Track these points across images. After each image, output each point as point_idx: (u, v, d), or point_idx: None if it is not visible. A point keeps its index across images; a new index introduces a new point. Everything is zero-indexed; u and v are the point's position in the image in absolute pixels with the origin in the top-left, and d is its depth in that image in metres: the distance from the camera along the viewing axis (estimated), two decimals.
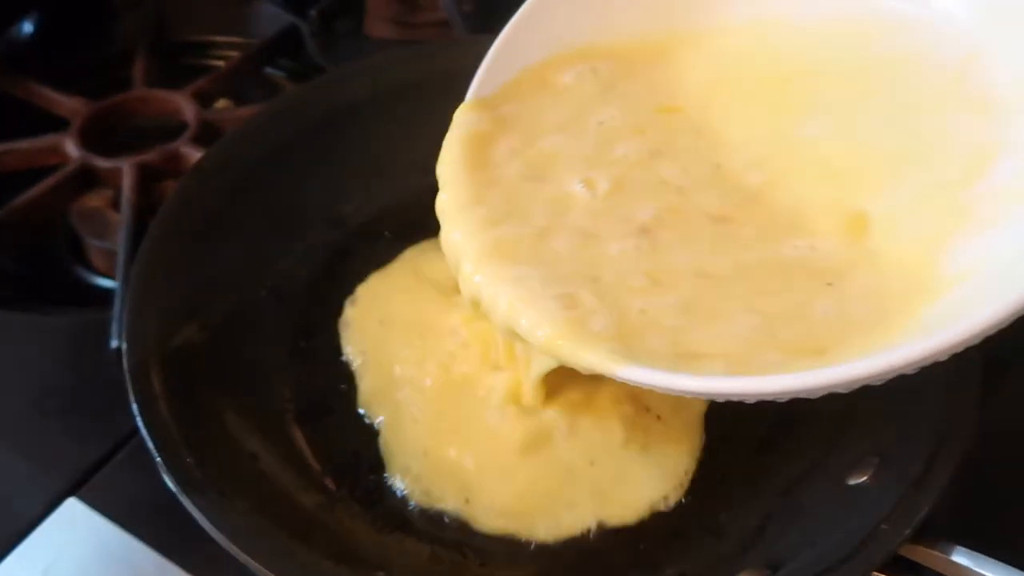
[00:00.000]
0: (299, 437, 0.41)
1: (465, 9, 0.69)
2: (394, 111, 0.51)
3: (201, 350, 0.40)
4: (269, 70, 0.69)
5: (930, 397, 0.36)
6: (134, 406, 0.35)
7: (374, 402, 0.43)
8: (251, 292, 0.45)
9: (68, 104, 0.60)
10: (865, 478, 0.36)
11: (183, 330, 0.39)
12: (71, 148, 0.57)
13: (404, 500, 0.39)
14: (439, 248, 0.35)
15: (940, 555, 0.31)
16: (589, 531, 0.38)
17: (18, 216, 0.54)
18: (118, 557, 0.39)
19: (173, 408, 0.35)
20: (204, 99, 0.61)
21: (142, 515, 0.40)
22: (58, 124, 0.59)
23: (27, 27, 0.68)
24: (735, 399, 0.28)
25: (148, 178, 0.55)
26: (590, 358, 0.29)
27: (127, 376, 0.35)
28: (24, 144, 0.57)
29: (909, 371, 0.27)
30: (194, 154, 0.55)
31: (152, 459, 0.33)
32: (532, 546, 0.38)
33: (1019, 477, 0.42)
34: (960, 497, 0.40)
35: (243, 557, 0.31)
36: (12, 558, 0.39)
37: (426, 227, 0.41)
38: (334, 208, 0.50)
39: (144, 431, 0.34)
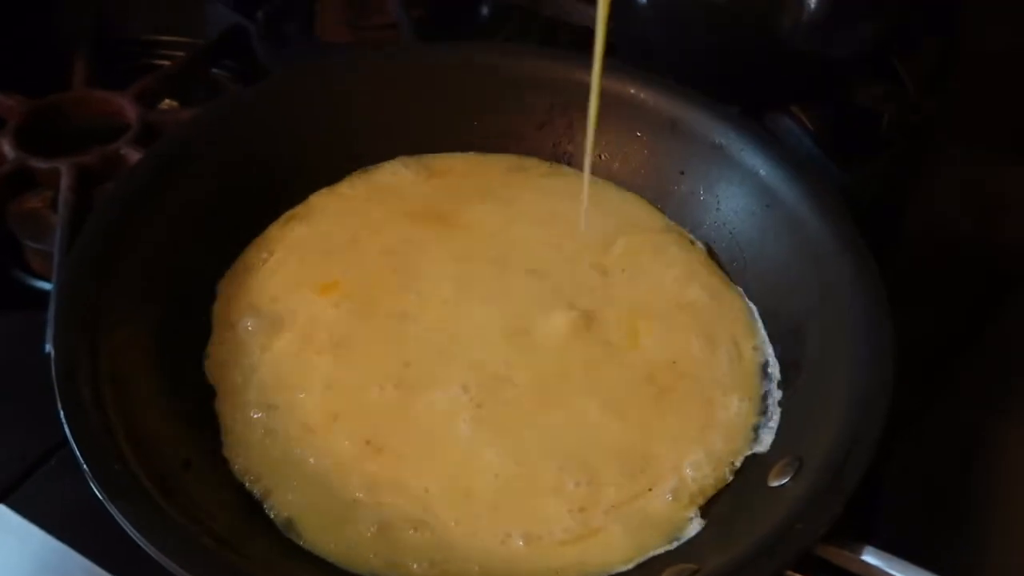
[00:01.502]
0: None
1: (414, 14, 0.69)
2: (337, 114, 0.52)
3: (135, 356, 0.40)
4: (215, 71, 0.68)
5: (849, 406, 0.38)
6: (61, 414, 0.34)
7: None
8: (188, 297, 0.45)
9: (4, 103, 0.59)
10: (786, 480, 0.38)
11: (115, 336, 0.39)
12: (7, 147, 0.55)
13: None
14: None
15: (851, 555, 0.33)
16: None
17: None
18: (48, 564, 0.39)
19: (103, 416, 0.35)
20: (148, 99, 0.60)
21: (73, 523, 0.40)
22: None
23: None
24: None
25: (87, 180, 0.54)
26: None
27: (55, 383, 0.35)
28: None
29: None
30: (135, 155, 0.54)
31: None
32: None
33: (935, 484, 0.45)
34: (878, 502, 0.42)
35: (173, 567, 0.31)
36: None
37: None
38: (277, 211, 0.50)
39: (71, 439, 0.33)
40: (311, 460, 0.40)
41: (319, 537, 0.37)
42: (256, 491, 0.39)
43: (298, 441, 0.40)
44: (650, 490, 0.39)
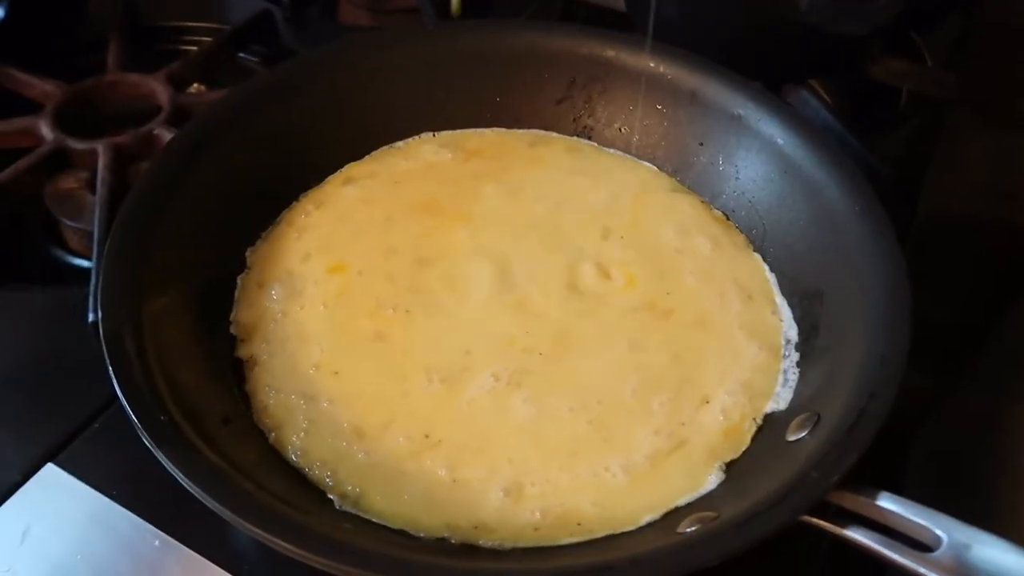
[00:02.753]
0: None
1: None
2: (363, 91, 0.53)
3: (174, 321, 0.41)
4: (242, 55, 0.70)
5: (867, 363, 0.39)
6: (110, 369, 0.36)
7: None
8: (227, 262, 0.46)
9: (42, 87, 0.61)
10: (804, 434, 0.39)
11: (155, 303, 0.40)
12: (45, 130, 0.58)
13: None
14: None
15: (867, 500, 0.34)
16: None
17: None
18: (95, 519, 0.41)
19: (147, 372, 0.37)
20: (177, 83, 0.62)
21: (118, 479, 0.42)
22: (33, 108, 0.60)
23: None
24: None
25: (123, 160, 0.56)
26: None
27: (102, 342, 0.37)
28: None
29: None
30: (168, 136, 0.56)
31: (127, 424, 0.35)
32: None
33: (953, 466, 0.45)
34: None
35: (217, 507, 0.33)
36: None
37: None
38: (305, 184, 0.51)
39: (119, 390, 0.35)
40: (373, 454, 0.39)
41: (399, 510, 0.38)
42: (317, 473, 0.39)
43: (348, 440, 0.40)
44: (707, 403, 0.42)
